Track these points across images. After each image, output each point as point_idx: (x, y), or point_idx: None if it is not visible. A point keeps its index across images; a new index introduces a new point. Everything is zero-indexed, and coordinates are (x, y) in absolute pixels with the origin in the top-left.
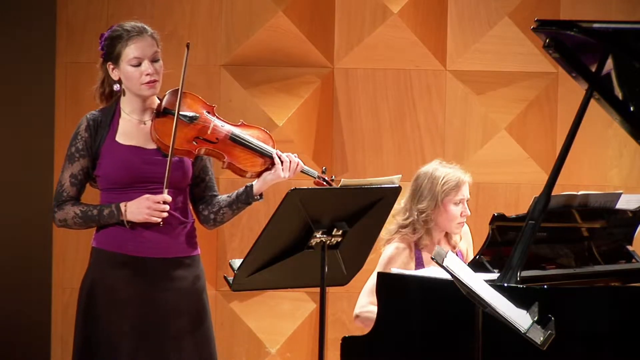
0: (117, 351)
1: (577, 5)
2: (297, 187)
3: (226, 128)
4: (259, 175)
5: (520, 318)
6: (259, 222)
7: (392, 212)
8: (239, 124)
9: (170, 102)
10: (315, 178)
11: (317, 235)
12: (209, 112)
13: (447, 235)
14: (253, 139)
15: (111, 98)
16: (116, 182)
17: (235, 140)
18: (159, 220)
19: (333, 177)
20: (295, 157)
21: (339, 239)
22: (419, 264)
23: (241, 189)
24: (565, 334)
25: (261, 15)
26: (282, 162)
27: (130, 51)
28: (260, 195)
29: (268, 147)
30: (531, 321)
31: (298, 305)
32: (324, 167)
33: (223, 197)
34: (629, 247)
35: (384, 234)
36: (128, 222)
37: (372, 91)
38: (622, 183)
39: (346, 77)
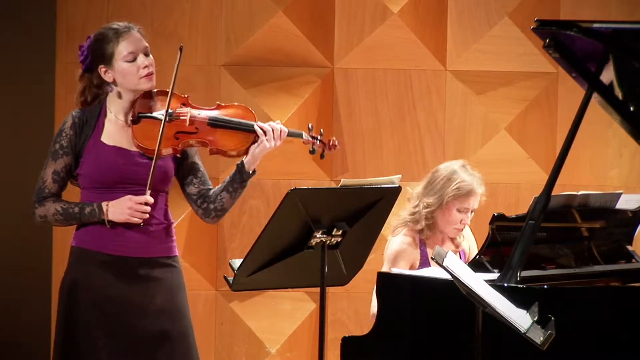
0: (97, 349)
1: (577, 5)
2: (297, 187)
3: (203, 115)
4: (246, 152)
5: (520, 318)
6: (259, 222)
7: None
8: (215, 106)
9: (142, 105)
10: (303, 138)
11: (317, 235)
12: (183, 104)
13: None
14: (232, 118)
15: (93, 103)
16: (98, 182)
17: (214, 125)
18: (140, 221)
19: (322, 131)
20: (277, 123)
21: (339, 239)
22: (424, 256)
23: (234, 171)
24: (565, 334)
25: (261, 15)
26: (265, 132)
27: (124, 47)
28: (254, 170)
29: (248, 122)
30: (531, 321)
31: (298, 305)
32: (310, 124)
33: (217, 187)
34: (629, 247)
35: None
36: (109, 221)
37: (372, 91)
38: (622, 183)
39: (346, 77)
